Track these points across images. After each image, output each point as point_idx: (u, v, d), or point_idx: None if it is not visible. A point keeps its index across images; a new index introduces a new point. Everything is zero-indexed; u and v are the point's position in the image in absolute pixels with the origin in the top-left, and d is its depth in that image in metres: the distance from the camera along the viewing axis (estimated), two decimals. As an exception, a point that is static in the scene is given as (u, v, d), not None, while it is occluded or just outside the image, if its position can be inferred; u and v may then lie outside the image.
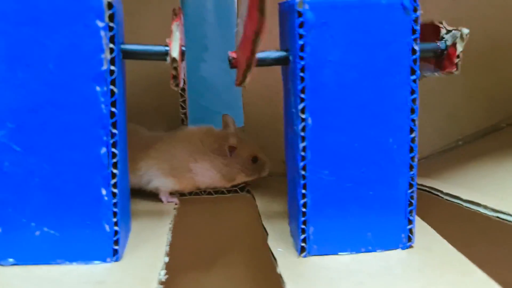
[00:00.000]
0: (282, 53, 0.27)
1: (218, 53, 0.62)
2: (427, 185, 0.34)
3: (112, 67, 0.24)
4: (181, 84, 0.27)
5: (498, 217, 0.26)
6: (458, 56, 0.26)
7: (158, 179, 0.35)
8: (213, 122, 0.53)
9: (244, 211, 0.35)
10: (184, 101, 0.39)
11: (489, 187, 0.31)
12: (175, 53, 0.25)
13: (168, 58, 0.25)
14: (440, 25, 0.28)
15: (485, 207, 0.27)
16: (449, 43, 0.27)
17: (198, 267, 0.41)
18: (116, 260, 0.26)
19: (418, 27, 0.25)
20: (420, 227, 0.30)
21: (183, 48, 0.27)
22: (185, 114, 0.39)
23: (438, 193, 0.32)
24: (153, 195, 0.36)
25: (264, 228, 0.31)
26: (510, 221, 0.25)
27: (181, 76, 0.27)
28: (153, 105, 0.40)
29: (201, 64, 0.61)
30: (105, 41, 0.24)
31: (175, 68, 0.25)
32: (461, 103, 0.41)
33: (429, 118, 0.42)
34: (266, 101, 0.39)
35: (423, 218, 0.32)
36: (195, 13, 0.61)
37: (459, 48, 0.26)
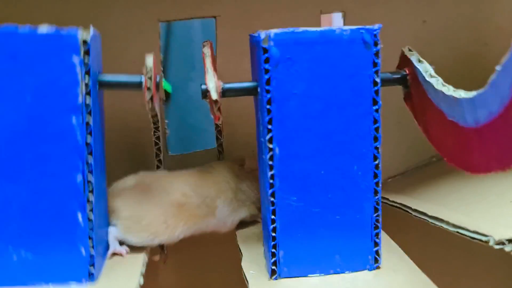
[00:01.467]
0: (252, 84, 0.28)
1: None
2: (399, 201, 0.35)
3: (88, 100, 0.25)
4: (156, 101, 0.28)
5: (458, 232, 0.27)
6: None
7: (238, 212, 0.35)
8: (200, 139, 0.54)
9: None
10: (158, 138, 0.36)
11: (456, 203, 0.32)
12: (149, 63, 0.26)
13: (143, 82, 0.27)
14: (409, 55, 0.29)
15: (447, 223, 0.28)
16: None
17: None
18: (92, 281, 0.27)
19: (378, 60, 0.26)
20: (389, 247, 0.32)
21: (157, 78, 0.28)
22: (159, 148, 0.37)
23: (408, 210, 0.33)
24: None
25: (240, 250, 0.32)
26: (468, 236, 0.26)
27: (156, 96, 0.28)
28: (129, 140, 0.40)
29: (189, 83, 0.62)
30: (80, 75, 0.25)
31: (150, 78, 0.26)
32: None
33: (404, 136, 0.43)
34: (244, 121, 0.40)
35: (394, 234, 0.33)
36: (182, 33, 0.62)
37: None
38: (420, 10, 0.41)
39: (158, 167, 0.37)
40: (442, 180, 0.38)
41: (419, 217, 0.32)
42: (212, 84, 0.26)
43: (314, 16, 0.41)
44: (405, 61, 0.30)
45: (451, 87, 0.26)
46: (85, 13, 0.38)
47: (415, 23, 0.41)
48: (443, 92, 0.25)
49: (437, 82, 0.26)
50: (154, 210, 0.31)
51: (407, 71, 0.29)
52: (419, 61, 0.28)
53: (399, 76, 0.30)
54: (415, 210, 0.33)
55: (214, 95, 0.26)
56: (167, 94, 0.59)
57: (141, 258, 0.30)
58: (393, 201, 0.36)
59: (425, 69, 0.28)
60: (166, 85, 0.59)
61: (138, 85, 0.27)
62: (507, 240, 0.25)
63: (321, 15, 0.41)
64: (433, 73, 0.27)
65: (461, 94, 0.24)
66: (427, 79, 0.27)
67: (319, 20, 0.41)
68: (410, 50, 0.29)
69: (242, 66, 0.38)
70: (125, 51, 0.39)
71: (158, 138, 0.36)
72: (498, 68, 0.21)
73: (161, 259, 0.34)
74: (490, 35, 0.41)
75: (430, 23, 0.41)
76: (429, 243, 0.41)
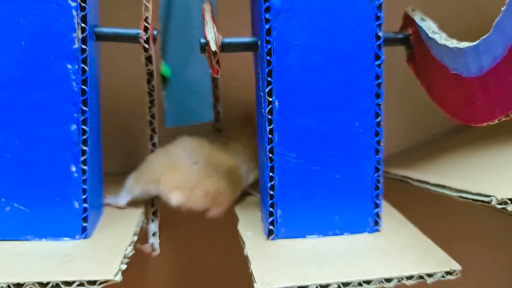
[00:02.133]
0: (251, 39, 0.27)
1: (204, 56, 0.63)
2: (400, 173, 0.34)
3: (84, 46, 0.25)
4: (153, 54, 0.27)
5: (460, 196, 0.26)
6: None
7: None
8: (199, 124, 0.54)
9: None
10: (153, 116, 0.33)
11: (458, 174, 0.31)
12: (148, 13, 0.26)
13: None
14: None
15: (450, 188, 0.27)
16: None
17: (172, 255, 0.41)
18: (85, 237, 0.26)
19: (381, 14, 0.26)
20: (389, 213, 0.31)
21: (155, 32, 0.27)
22: (154, 129, 0.33)
23: (408, 180, 0.32)
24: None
25: (236, 215, 0.32)
26: (471, 199, 0.25)
27: (153, 48, 0.27)
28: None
29: (187, 68, 0.62)
30: (76, 20, 0.24)
31: (146, 20, 0.26)
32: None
33: (408, 112, 0.42)
34: (243, 93, 0.40)
35: (397, 207, 0.32)
36: (181, 16, 0.61)
37: None
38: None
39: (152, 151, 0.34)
40: (444, 155, 0.38)
41: (420, 186, 0.31)
42: (211, 35, 0.26)
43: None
44: (408, 21, 0.29)
45: (454, 40, 0.25)
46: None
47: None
48: (446, 46, 0.25)
49: (440, 38, 0.26)
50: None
51: (410, 31, 0.29)
52: (422, 19, 0.28)
53: (402, 36, 0.29)
54: (417, 180, 0.32)
55: (213, 46, 0.25)
56: (165, 78, 0.59)
57: (136, 219, 0.29)
58: (394, 174, 0.35)
59: (428, 26, 0.27)
60: (165, 69, 0.59)
61: (135, 37, 0.27)
62: (509, 199, 0.24)
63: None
64: (436, 29, 0.27)
65: (465, 44, 0.24)
66: (430, 35, 0.26)
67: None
68: (412, 10, 0.29)
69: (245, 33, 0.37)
70: (123, 20, 0.39)
71: (153, 116, 0.33)
72: (503, 8, 0.20)
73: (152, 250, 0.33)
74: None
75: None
76: (428, 220, 0.40)
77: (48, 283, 0.21)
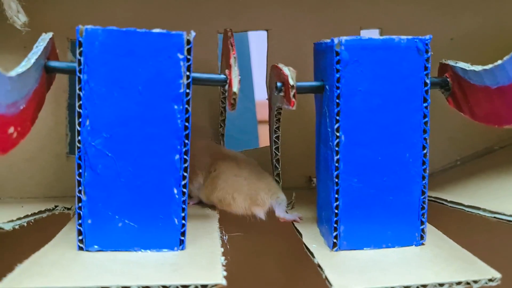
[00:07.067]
0: (318, 83, 0.33)
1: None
2: (433, 195, 0.40)
3: (187, 90, 0.30)
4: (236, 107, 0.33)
5: (495, 217, 0.31)
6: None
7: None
8: (228, 145, 0.60)
9: (274, 218, 0.41)
10: (223, 120, 0.45)
11: (486, 197, 0.36)
12: (235, 88, 0.31)
13: (228, 88, 0.32)
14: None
15: (484, 210, 0.33)
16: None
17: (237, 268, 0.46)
18: (182, 249, 0.31)
19: (429, 65, 0.31)
20: (429, 229, 0.36)
21: (239, 77, 0.33)
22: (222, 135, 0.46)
23: (443, 202, 0.38)
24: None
25: (298, 230, 0.37)
26: (505, 220, 0.31)
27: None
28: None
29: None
30: (183, 69, 0.30)
31: (234, 99, 0.31)
32: (460, 128, 0.48)
33: (432, 141, 0.46)
34: (295, 123, 0.45)
35: (431, 223, 0.37)
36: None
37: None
38: (448, 28, 0.46)
39: None
40: (469, 180, 0.43)
41: (455, 207, 0.37)
42: (287, 71, 0.31)
43: (354, 31, 0.46)
44: (443, 69, 0.35)
45: (489, 65, 0.30)
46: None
47: (443, 40, 0.46)
48: (484, 70, 0.30)
49: (477, 68, 0.31)
50: None
51: (447, 75, 0.35)
52: (456, 62, 0.34)
53: (441, 79, 0.35)
54: (451, 202, 0.37)
55: (291, 81, 0.30)
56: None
57: (216, 233, 0.34)
58: (428, 196, 0.40)
59: (464, 65, 0.33)
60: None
61: (223, 81, 0.32)
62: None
63: (360, 30, 0.46)
64: (469, 65, 0.32)
65: (499, 61, 0.29)
66: (468, 69, 0.32)
67: (358, 35, 0.46)
68: (445, 60, 0.35)
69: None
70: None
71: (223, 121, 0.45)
72: None
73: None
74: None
75: (456, 40, 0.46)
76: (458, 231, 0.45)
77: (170, 285, 0.26)
